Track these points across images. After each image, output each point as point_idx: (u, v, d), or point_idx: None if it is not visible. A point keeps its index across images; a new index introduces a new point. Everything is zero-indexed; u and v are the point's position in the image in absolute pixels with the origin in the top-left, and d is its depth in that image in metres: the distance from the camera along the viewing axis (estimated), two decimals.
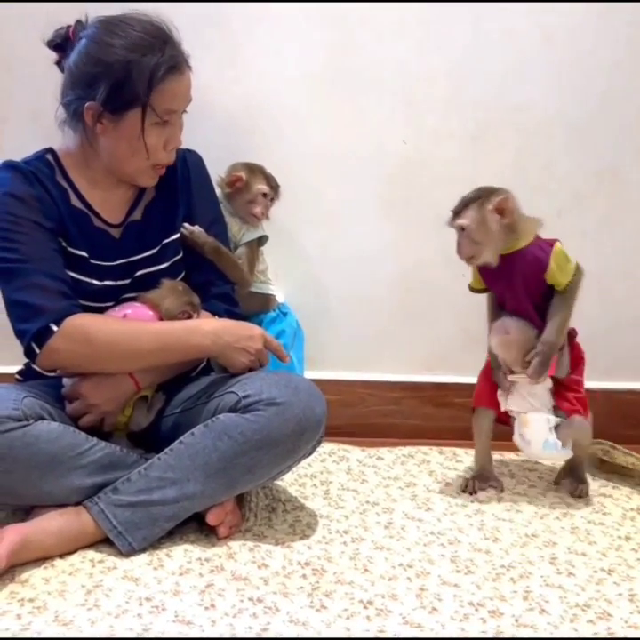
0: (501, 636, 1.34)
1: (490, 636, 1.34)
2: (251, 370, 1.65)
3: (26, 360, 1.76)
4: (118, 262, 1.69)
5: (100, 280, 1.66)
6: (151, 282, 1.69)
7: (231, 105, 1.74)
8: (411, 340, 2.17)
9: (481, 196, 1.68)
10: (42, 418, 1.51)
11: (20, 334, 1.56)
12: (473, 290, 1.84)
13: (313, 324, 2.04)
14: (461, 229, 1.69)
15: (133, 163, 1.65)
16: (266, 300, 1.94)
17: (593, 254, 2.13)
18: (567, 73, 2.02)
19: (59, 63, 1.66)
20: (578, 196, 2.10)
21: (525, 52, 2.00)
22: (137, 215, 1.73)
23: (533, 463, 2.01)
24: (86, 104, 1.58)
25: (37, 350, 1.54)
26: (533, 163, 2.07)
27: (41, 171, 1.65)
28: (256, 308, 1.94)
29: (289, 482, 1.85)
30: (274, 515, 1.71)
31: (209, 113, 1.85)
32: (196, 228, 1.75)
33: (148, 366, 1.62)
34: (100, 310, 1.66)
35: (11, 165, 1.64)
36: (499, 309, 1.81)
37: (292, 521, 1.69)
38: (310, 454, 1.64)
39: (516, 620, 1.38)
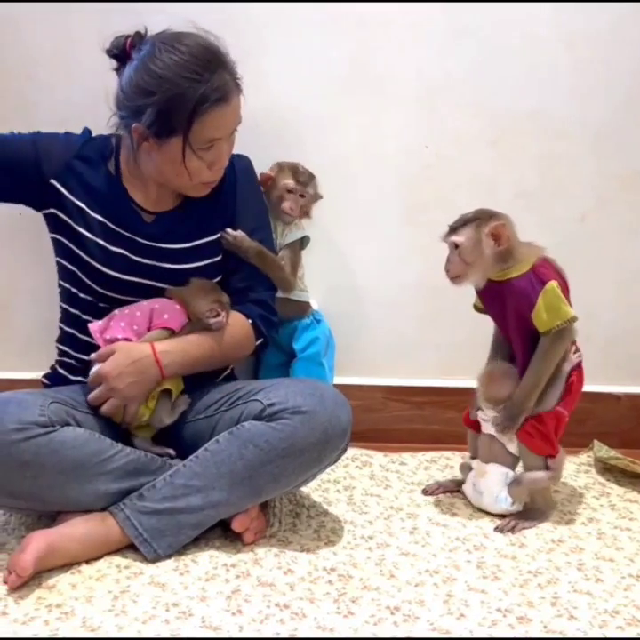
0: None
1: None
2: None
3: (52, 364, 1.78)
4: (142, 241, 1.69)
5: (120, 248, 1.68)
6: (180, 276, 1.70)
7: (251, 113, 1.74)
8: (433, 344, 2.16)
9: (479, 218, 1.65)
10: (67, 424, 1.52)
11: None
12: (477, 309, 1.82)
13: (335, 328, 2.03)
14: (454, 246, 1.66)
15: (177, 181, 1.67)
16: (301, 307, 1.94)
17: (616, 259, 2.13)
18: (589, 77, 2.01)
19: (117, 69, 1.66)
20: (601, 201, 2.08)
21: (547, 56, 1.99)
22: (176, 208, 1.74)
23: None
24: (133, 125, 1.59)
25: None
26: (556, 167, 2.05)
27: (98, 153, 1.71)
28: (291, 315, 1.93)
29: (312, 487, 1.84)
30: (298, 520, 1.71)
31: None
32: (239, 233, 1.74)
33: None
34: (122, 283, 1.68)
35: (85, 133, 1.73)
36: (500, 349, 1.80)
37: (316, 526, 1.69)
38: (335, 462, 1.64)
39: (545, 627, 1.37)
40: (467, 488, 1.81)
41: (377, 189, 2.06)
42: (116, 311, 1.66)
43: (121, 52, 1.63)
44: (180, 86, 1.54)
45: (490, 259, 1.64)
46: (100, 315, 1.67)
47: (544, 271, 1.66)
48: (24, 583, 1.42)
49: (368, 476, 1.94)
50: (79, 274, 1.69)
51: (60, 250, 1.72)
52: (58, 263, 1.75)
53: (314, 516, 1.73)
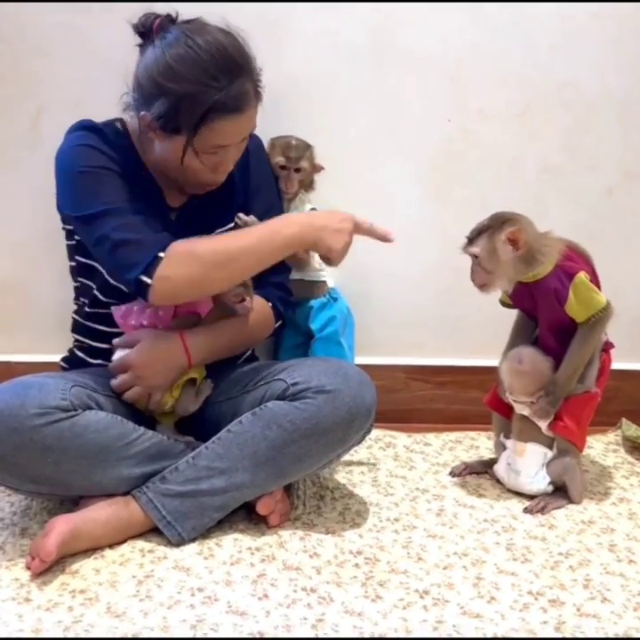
0: (564, 625, 1.30)
1: (551, 626, 1.30)
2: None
3: (70, 347, 1.75)
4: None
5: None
6: None
7: (272, 88, 1.70)
8: (455, 322, 2.12)
9: (492, 226, 1.62)
10: (89, 407, 1.49)
11: (128, 269, 1.50)
12: (504, 305, 1.80)
13: (355, 308, 1.99)
14: (474, 257, 1.64)
15: (176, 175, 1.63)
16: (317, 287, 1.90)
17: None
18: (616, 48, 1.95)
19: (141, 46, 1.59)
20: (629, 175, 2.03)
21: (573, 27, 1.93)
22: (195, 199, 1.70)
23: (586, 447, 1.94)
24: (141, 113, 1.54)
25: (149, 281, 1.49)
26: (582, 141, 2.00)
27: (115, 135, 1.63)
28: (306, 295, 1.90)
29: (336, 469, 1.81)
30: (322, 503, 1.68)
31: None
32: (250, 218, 1.69)
33: (252, 271, 1.57)
34: None
35: (84, 125, 1.62)
36: (521, 333, 1.78)
37: (341, 509, 1.66)
38: (360, 442, 1.61)
39: (578, 610, 1.35)
40: (499, 468, 1.78)
41: (398, 165, 2.02)
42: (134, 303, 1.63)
43: (147, 31, 1.56)
44: (195, 87, 1.48)
45: (510, 264, 1.62)
46: (124, 297, 1.63)
47: (570, 264, 1.64)
48: (47, 569, 1.40)
49: (392, 457, 1.91)
50: (104, 278, 1.64)
51: (83, 253, 1.67)
52: (77, 262, 1.70)
53: (338, 499, 1.70)
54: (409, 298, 2.11)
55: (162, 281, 1.49)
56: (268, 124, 1.79)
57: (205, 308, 1.64)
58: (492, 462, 1.81)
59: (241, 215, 1.69)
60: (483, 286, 1.66)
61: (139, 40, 1.57)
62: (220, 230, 1.69)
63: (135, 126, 1.63)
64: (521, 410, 1.73)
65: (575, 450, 1.70)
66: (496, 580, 1.42)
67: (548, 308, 1.66)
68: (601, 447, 1.98)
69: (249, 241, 1.54)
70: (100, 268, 1.63)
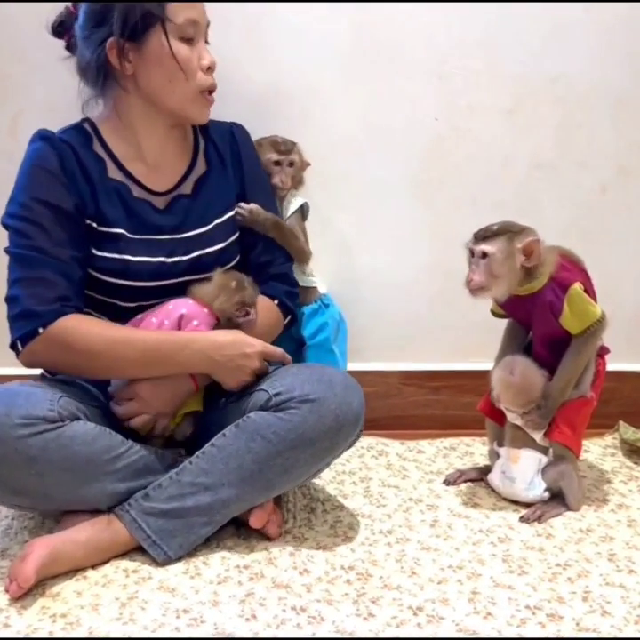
0: None
1: None
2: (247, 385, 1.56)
3: None
4: (164, 237, 1.59)
5: (142, 256, 1.56)
6: (206, 264, 1.60)
7: (255, 87, 1.67)
8: (448, 326, 2.07)
9: (512, 231, 1.57)
10: (77, 418, 1.44)
11: (10, 326, 1.50)
12: (496, 315, 1.76)
13: (347, 313, 1.94)
14: (482, 256, 1.57)
15: (176, 91, 1.55)
16: (308, 293, 1.85)
17: (639, 230, 2.04)
18: (609, 41, 1.91)
19: (68, 47, 1.59)
20: (623, 171, 1.99)
21: (564, 19, 1.89)
22: (186, 189, 1.64)
23: (583, 451, 1.90)
24: (107, 43, 1.50)
25: (21, 348, 1.48)
26: (575, 137, 1.96)
27: (77, 141, 1.57)
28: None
29: (327, 479, 1.77)
30: (313, 515, 1.63)
31: (233, 96, 1.76)
32: (254, 206, 1.66)
33: (132, 378, 1.53)
34: (149, 291, 1.58)
35: (44, 136, 1.56)
36: (513, 339, 1.74)
37: (332, 521, 1.61)
38: (350, 448, 1.56)
39: (577, 624, 1.30)
40: (493, 476, 1.72)
41: (385, 165, 1.97)
42: (140, 316, 1.57)
43: (67, 17, 1.57)
44: None
45: (518, 274, 1.58)
46: (117, 315, 1.59)
47: (565, 275, 1.59)
48: (27, 592, 1.35)
49: (385, 465, 1.86)
50: (96, 287, 1.58)
51: None
52: None
53: (329, 511, 1.65)
54: (401, 302, 2.06)
55: (30, 356, 1.49)
56: (254, 123, 1.76)
57: (209, 326, 1.57)
58: (488, 469, 1.77)
59: (243, 205, 1.66)
60: (479, 289, 1.59)
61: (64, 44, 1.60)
62: (217, 221, 1.64)
63: (105, 117, 1.60)
64: (513, 419, 1.68)
65: (572, 455, 1.65)
66: (492, 595, 1.38)
67: (543, 320, 1.62)
68: (598, 451, 1.93)
69: (133, 358, 1.50)
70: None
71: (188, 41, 1.53)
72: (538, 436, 1.67)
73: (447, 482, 1.77)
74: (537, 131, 1.95)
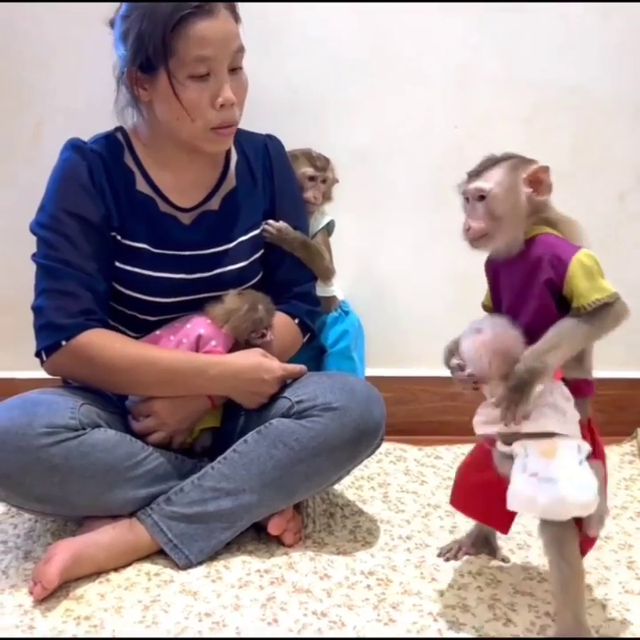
0: None
1: None
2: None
3: None
4: (186, 253, 1.58)
5: (163, 271, 1.57)
6: (226, 281, 1.60)
7: (274, 96, 1.68)
8: None
9: (513, 158, 1.29)
10: (98, 425, 1.46)
11: (36, 335, 1.53)
12: (485, 308, 1.41)
13: (365, 319, 1.95)
14: (479, 198, 1.27)
15: (183, 127, 1.51)
16: (328, 302, 1.85)
17: None
18: (626, 50, 1.92)
19: None
20: None
21: (580, 29, 1.90)
22: (214, 205, 1.62)
23: None
24: (125, 71, 1.50)
25: (45, 358, 1.51)
26: (592, 145, 1.97)
27: (107, 151, 1.57)
28: None
29: (345, 485, 1.77)
30: (332, 520, 1.64)
31: (251, 105, 1.77)
32: (282, 225, 1.66)
33: (150, 395, 1.55)
34: (169, 306, 1.58)
35: (75, 145, 1.56)
36: None
37: (351, 527, 1.62)
38: (370, 456, 1.57)
39: (597, 631, 1.30)
40: (519, 487, 1.20)
41: (403, 173, 1.99)
42: (158, 332, 1.58)
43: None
44: (148, 8, 1.43)
45: (526, 212, 1.25)
46: (136, 327, 1.60)
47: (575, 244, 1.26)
48: (51, 594, 1.36)
49: (403, 471, 1.87)
50: (116, 298, 1.59)
51: None
52: None
53: (348, 516, 1.66)
54: (418, 308, 2.07)
55: (53, 366, 1.53)
56: (273, 131, 1.76)
57: (226, 347, 1.58)
58: (484, 539, 1.52)
59: (271, 222, 1.66)
60: (481, 238, 1.27)
61: None
62: (242, 238, 1.63)
63: (136, 129, 1.60)
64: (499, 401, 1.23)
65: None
66: (512, 602, 1.38)
67: (538, 279, 1.23)
68: (617, 458, 1.93)
69: (151, 379, 1.52)
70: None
71: (201, 78, 1.47)
72: (531, 427, 1.23)
73: (440, 554, 1.52)
74: (554, 139, 1.95)
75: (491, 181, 1.27)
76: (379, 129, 1.95)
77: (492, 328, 1.26)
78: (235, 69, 1.50)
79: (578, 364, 1.26)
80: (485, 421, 1.30)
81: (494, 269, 1.34)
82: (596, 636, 1.29)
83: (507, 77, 1.93)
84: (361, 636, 1.29)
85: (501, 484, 1.25)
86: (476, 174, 1.30)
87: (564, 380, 1.26)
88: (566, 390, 1.25)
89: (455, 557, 1.50)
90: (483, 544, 1.52)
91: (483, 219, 1.26)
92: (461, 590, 1.41)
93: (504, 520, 1.39)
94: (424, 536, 1.59)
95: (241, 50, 1.50)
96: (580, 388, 1.28)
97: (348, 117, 1.93)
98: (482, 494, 1.36)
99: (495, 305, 1.37)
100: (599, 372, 1.98)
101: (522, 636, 1.29)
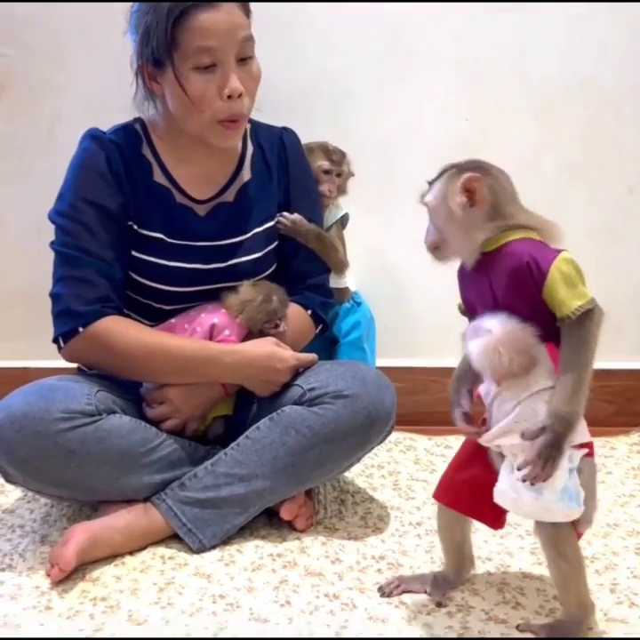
0: (590, 631, 1.28)
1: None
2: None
3: None
4: (202, 244, 1.60)
5: (178, 261, 1.59)
6: (241, 272, 1.62)
7: (288, 89, 1.70)
8: None
9: (457, 167, 1.25)
10: (114, 412, 1.49)
11: (54, 321, 1.55)
12: (462, 312, 1.36)
13: (375, 309, 1.97)
14: (428, 210, 1.28)
15: (191, 119, 1.52)
16: (341, 293, 1.87)
17: None
18: (635, 44, 1.94)
19: None
20: None
21: (591, 23, 1.92)
22: (229, 197, 1.64)
23: (609, 448, 1.93)
24: (139, 66, 1.53)
25: (62, 344, 1.54)
26: (602, 138, 1.98)
27: (125, 142, 1.59)
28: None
29: (356, 473, 1.80)
30: (343, 507, 1.67)
31: (268, 98, 1.79)
32: (297, 217, 1.68)
33: (164, 383, 1.57)
34: (184, 295, 1.61)
35: (94, 135, 1.59)
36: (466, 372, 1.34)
37: (362, 513, 1.65)
38: (380, 443, 1.60)
39: (605, 615, 1.32)
40: (504, 487, 1.21)
41: (415, 165, 1.97)
42: (173, 321, 1.61)
43: None
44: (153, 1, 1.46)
45: (463, 222, 1.22)
46: (151, 315, 1.63)
47: (551, 248, 1.21)
48: (68, 576, 1.39)
49: (413, 460, 1.89)
50: (132, 286, 1.62)
51: None
52: None
53: (359, 503, 1.69)
54: (428, 299, 2.09)
55: (70, 352, 1.55)
56: (287, 123, 1.77)
57: (240, 336, 1.60)
58: (430, 579, 1.38)
59: (286, 214, 1.68)
60: (434, 250, 1.28)
61: None
62: (256, 230, 1.65)
63: (154, 121, 1.62)
64: (510, 448, 1.21)
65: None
66: (521, 585, 1.40)
67: (514, 288, 1.18)
68: (625, 449, 1.95)
69: (165, 367, 1.55)
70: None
71: (207, 69, 1.48)
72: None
73: (382, 591, 1.38)
74: (565, 132, 1.98)
75: (431, 194, 1.27)
76: (392, 123, 1.97)
77: (502, 325, 1.19)
78: (244, 59, 1.51)
79: None
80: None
81: (461, 276, 1.32)
82: (602, 617, 1.31)
83: (518, 71, 1.95)
84: (373, 617, 1.31)
85: (491, 480, 1.24)
86: (429, 185, 1.30)
87: None
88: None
89: (391, 594, 1.37)
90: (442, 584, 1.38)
91: (431, 230, 1.28)
92: (470, 574, 1.43)
93: (495, 515, 1.32)
94: (434, 522, 1.59)
95: (249, 39, 1.50)
96: None
97: (362, 112, 1.96)
98: (471, 490, 1.31)
99: (469, 310, 1.32)
100: (608, 363, 2.03)
101: (531, 618, 1.31)
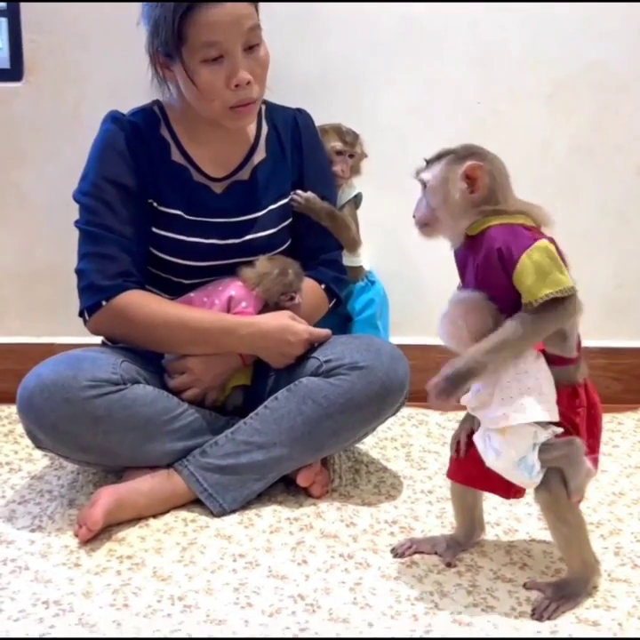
0: (595, 590, 1.33)
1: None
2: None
3: None
4: (218, 220, 1.67)
5: (196, 237, 1.65)
6: (256, 247, 1.68)
7: (305, 74, 1.74)
8: None
9: (457, 153, 1.30)
10: (137, 382, 1.56)
11: (80, 296, 1.63)
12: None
13: (389, 287, 2.01)
14: (423, 186, 1.32)
15: (204, 106, 1.58)
16: (356, 272, 1.91)
17: None
18: None
19: None
20: None
21: (601, 6, 1.94)
22: (244, 175, 1.70)
23: (617, 424, 1.98)
24: (151, 54, 1.58)
25: (87, 317, 1.61)
26: (613, 121, 2.01)
27: (144, 123, 1.65)
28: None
29: (370, 445, 1.86)
30: (358, 476, 1.73)
31: (283, 81, 1.84)
32: (310, 195, 1.73)
33: (184, 353, 1.63)
34: (201, 269, 1.67)
35: (115, 117, 1.65)
36: None
37: (376, 482, 1.71)
38: (394, 414, 1.66)
39: (609, 575, 1.38)
40: (477, 437, 1.33)
41: (428, 148, 2.02)
42: (192, 294, 1.66)
43: None
44: None
45: (459, 207, 1.28)
46: (171, 290, 1.69)
47: (536, 233, 1.26)
48: (94, 537, 1.46)
49: (425, 434, 1.95)
50: (152, 262, 1.68)
51: None
52: None
53: (373, 472, 1.75)
54: (441, 278, 2.10)
55: (95, 325, 1.63)
56: (302, 106, 1.81)
57: (257, 308, 1.66)
58: (442, 542, 1.45)
59: (300, 192, 1.73)
60: (423, 226, 1.33)
61: None
62: (271, 207, 1.70)
63: (171, 103, 1.67)
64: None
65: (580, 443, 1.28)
66: (528, 548, 1.46)
67: (491, 272, 1.25)
68: (632, 424, 2.00)
69: (183, 338, 1.61)
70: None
71: (214, 61, 1.52)
72: (519, 418, 1.25)
73: (395, 553, 1.45)
74: (575, 115, 2.01)
75: (430, 173, 1.31)
76: (405, 105, 2.01)
77: (456, 298, 1.30)
78: (251, 47, 1.55)
79: (562, 341, 1.26)
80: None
81: (455, 255, 1.37)
82: (606, 577, 1.37)
83: (529, 54, 1.98)
84: (385, 575, 1.37)
85: None
86: (427, 163, 1.34)
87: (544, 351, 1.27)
88: (547, 370, 1.27)
89: (403, 555, 1.44)
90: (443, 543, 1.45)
91: (423, 209, 1.32)
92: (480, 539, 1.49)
93: (505, 486, 1.35)
94: (445, 491, 1.65)
95: (255, 28, 1.54)
96: (563, 358, 1.28)
97: (373, 94, 1.99)
98: (482, 465, 1.32)
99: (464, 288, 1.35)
100: (616, 341, 2.07)
101: (537, 577, 1.37)
